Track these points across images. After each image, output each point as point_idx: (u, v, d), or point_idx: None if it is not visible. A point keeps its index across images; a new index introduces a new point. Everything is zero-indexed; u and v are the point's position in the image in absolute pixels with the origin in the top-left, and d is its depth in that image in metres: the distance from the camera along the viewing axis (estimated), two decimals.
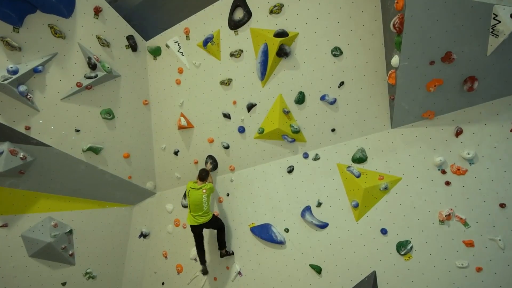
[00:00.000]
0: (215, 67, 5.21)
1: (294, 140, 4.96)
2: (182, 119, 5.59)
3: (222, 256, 5.39)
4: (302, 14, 4.44)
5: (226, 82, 5.17)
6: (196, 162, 5.79)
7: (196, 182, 5.03)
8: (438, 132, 4.07)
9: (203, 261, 5.32)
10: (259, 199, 5.33)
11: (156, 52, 5.58)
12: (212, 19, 5.02)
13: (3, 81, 4.33)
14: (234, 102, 5.21)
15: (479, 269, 3.88)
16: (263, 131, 5.06)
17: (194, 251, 5.84)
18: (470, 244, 3.91)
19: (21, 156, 4.73)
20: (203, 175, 5.05)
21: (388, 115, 4.33)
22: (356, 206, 4.50)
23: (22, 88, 4.49)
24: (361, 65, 4.31)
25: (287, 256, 5.08)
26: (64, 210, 5.48)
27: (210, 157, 5.67)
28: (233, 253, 5.45)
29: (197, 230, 5.10)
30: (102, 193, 5.78)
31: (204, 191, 4.87)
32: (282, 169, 5.16)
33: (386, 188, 4.31)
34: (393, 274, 4.32)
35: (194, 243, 5.24)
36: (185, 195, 5.69)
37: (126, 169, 5.79)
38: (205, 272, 5.33)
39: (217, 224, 5.26)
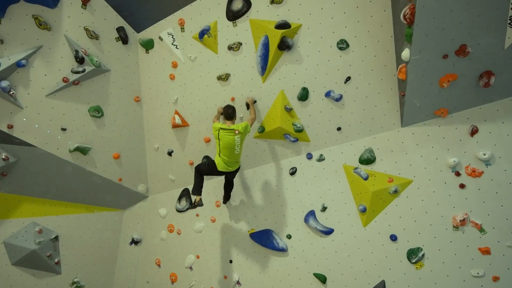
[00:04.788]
0: (212, 61, 5.21)
1: (297, 140, 4.96)
2: (177, 117, 5.59)
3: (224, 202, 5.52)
4: (305, 4, 4.44)
5: (224, 77, 5.17)
6: (192, 163, 5.80)
7: (225, 123, 4.54)
8: (451, 131, 4.08)
9: (199, 190, 4.81)
10: (259, 203, 5.34)
11: (148, 45, 5.58)
12: (209, 9, 5.02)
13: None
14: (233, 99, 5.21)
15: (496, 279, 3.89)
16: (263, 130, 5.06)
17: (189, 259, 5.85)
18: (486, 251, 3.91)
19: (3, 157, 4.73)
20: (230, 113, 4.51)
21: (398, 112, 4.34)
22: (363, 210, 4.51)
23: (4, 83, 4.49)
24: (369, 59, 4.32)
25: (289, 265, 5.08)
26: (49, 215, 5.48)
27: (207, 157, 5.67)
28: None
29: (217, 173, 4.77)
30: (90, 197, 5.78)
31: (237, 132, 4.39)
32: (284, 170, 5.16)
33: (396, 191, 4.32)
34: (404, 284, 4.33)
35: (197, 176, 4.81)
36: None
37: (116, 171, 5.79)
38: (200, 204, 4.84)
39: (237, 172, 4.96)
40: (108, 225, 6.10)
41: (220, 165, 4.59)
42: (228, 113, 4.53)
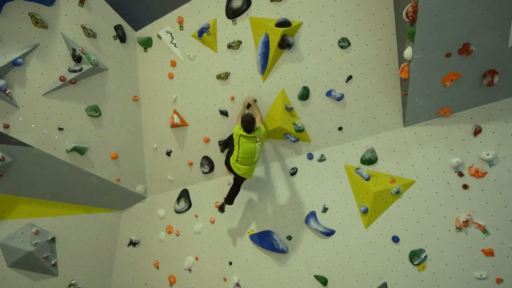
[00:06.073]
0: (211, 59, 5.21)
1: (297, 140, 4.96)
2: (175, 116, 5.59)
3: (221, 208, 5.07)
4: (306, 2, 4.44)
5: (223, 76, 5.16)
6: (191, 164, 5.80)
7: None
8: (455, 130, 4.08)
9: (229, 202, 4.97)
10: (259, 204, 5.33)
11: (146, 43, 5.58)
12: (208, 7, 5.02)
13: None
14: (232, 98, 5.21)
15: (499, 281, 3.89)
16: None
17: (188, 261, 5.86)
18: (489, 253, 3.91)
19: None
20: (252, 126, 4.35)
21: (400, 112, 4.34)
22: (365, 211, 4.51)
23: (0, 82, 4.48)
24: (370, 58, 4.31)
25: (289, 266, 5.08)
26: (46, 216, 5.48)
27: (206, 158, 5.67)
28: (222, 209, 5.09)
29: (240, 181, 4.87)
30: (87, 198, 5.78)
31: (258, 139, 4.41)
32: (284, 171, 5.16)
33: (398, 192, 4.32)
34: (406, 286, 4.33)
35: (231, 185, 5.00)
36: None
37: (114, 171, 5.79)
38: (222, 210, 5.02)
39: None
40: (105, 226, 6.10)
41: (235, 168, 4.59)
42: (250, 127, 4.36)
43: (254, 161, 4.56)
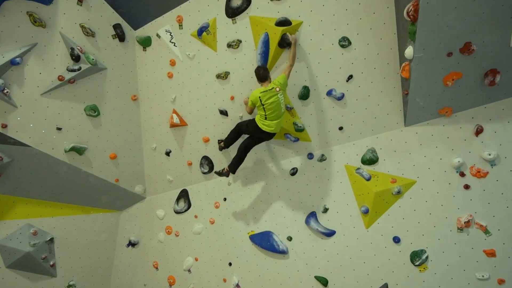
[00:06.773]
0: (211, 59, 5.21)
1: (297, 140, 4.96)
2: (175, 116, 5.59)
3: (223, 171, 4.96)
4: (306, 1, 4.44)
5: (223, 76, 5.16)
6: (190, 164, 5.79)
7: (261, 85, 4.41)
8: (456, 130, 4.08)
9: (227, 145, 5.00)
10: (259, 204, 5.33)
11: (145, 43, 5.58)
12: (208, 6, 5.02)
13: None
14: (232, 98, 5.21)
15: (501, 282, 3.89)
16: None
17: (187, 261, 5.86)
18: (491, 253, 3.92)
19: None
20: (261, 74, 4.34)
21: (402, 111, 4.34)
22: (366, 212, 4.51)
23: None
24: (371, 57, 4.31)
25: (290, 267, 5.08)
26: (44, 216, 5.48)
27: (205, 158, 5.67)
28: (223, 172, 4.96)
29: (265, 138, 4.70)
30: (86, 198, 5.78)
31: (278, 89, 4.28)
32: (284, 171, 5.16)
33: (399, 192, 4.32)
34: (407, 287, 4.33)
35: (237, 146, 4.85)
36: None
37: (113, 171, 5.79)
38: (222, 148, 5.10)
39: None
40: (104, 226, 6.10)
41: (265, 127, 4.47)
42: (260, 74, 4.36)
43: (282, 112, 4.44)
